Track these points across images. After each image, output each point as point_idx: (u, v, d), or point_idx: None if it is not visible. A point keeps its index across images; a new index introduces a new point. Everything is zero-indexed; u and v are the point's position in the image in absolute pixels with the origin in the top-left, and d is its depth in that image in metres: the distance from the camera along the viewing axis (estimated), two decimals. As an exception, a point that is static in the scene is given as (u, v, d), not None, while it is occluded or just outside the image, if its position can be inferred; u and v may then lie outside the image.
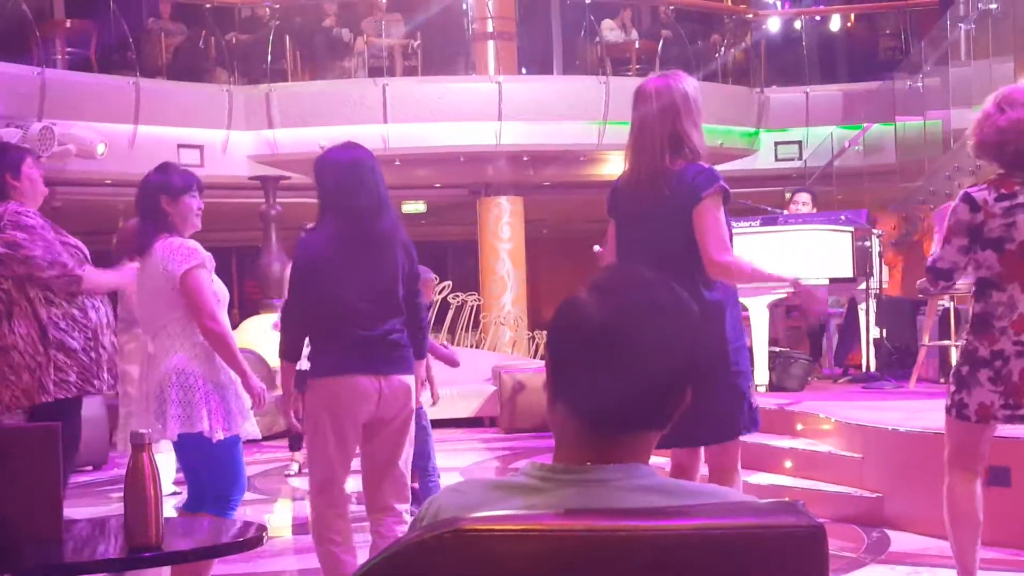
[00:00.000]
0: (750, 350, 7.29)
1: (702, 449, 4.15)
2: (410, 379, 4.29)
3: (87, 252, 4.87)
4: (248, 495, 7.68)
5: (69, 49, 12.82)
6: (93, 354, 4.73)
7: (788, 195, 10.11)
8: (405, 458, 4.34)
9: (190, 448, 4.26)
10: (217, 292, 4.34)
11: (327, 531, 4.26)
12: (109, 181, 12.42)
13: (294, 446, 8.44)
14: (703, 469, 4.27)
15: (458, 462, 8.68)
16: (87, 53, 12.75)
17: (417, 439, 6.27)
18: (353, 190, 4.23)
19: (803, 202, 9.43)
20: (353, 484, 4.51)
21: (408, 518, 4.32)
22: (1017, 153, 3.88)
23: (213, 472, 4.30)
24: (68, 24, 13.08)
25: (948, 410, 4.08)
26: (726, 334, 3.93)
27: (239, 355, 4.31)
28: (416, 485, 6.73)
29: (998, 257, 3.87)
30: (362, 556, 4.34)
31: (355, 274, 4.19)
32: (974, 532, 4.11)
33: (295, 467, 8.41)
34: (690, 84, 4.02)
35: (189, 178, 4.45)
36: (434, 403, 6.27)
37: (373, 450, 4.32)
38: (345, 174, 4.26)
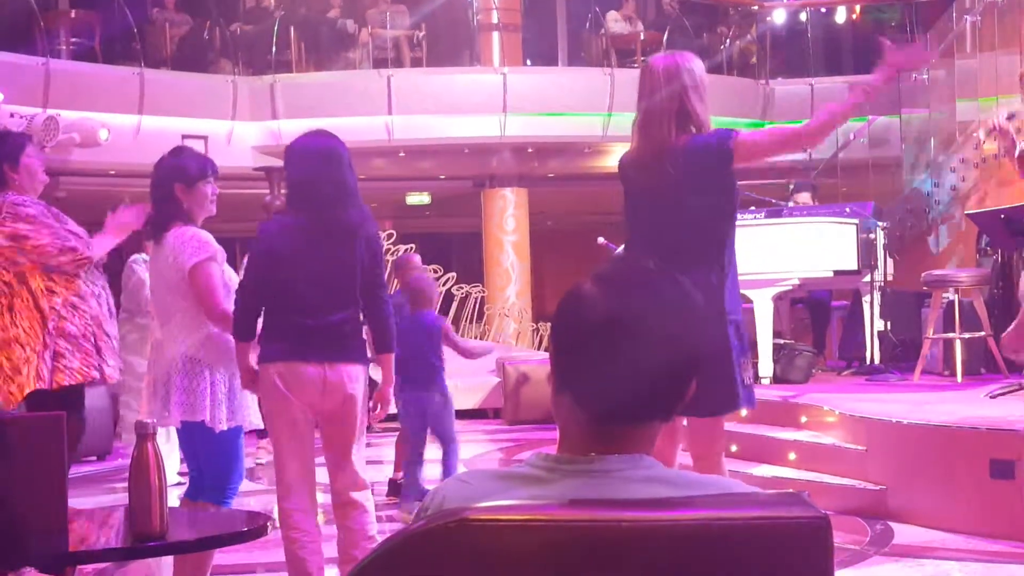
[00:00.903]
0: (753, 342, 7.30)
1: (679, 435, 4.10)
2: (356, 369, 4.19)
3: (90, 240, 4.88)
4: (252, 485, 7.70)
5: (74, 39, 12.82)
6: (92, 341, 4.72)
7: (791, 186, 10.09)
8: (356, 448, 4.24)
9: (192, 436, 4.27)
10: (228, 283, 4.34)
11: (285, 528, 4.22)
12: (113, 172, 12.42)
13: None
14: (683, 458, 4.26)
15: (462, 453, 8.63)
16: (91, 44, 12.75)
17: (443, 414, 6.32)
18: (315, 178, 4.20)
19: (803, 201, 9.40)
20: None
21: (367, 504, 4.26)
22: None
23: (213, 460, 4.31)
24: (73, 15, 13.08)
25: None
26: (726, 311, 3.94)
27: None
28: (399, 477, 6.72)
29: None
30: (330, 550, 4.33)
31: (306, 263, 4.15)
32: None
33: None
34: (696, 63, 4.05)
35: (204, 164, 4.43)
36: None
37: (326, 440, 4.27)
38: (309, 162, 4.23)
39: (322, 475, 4.33)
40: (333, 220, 4.17)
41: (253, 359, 4.24)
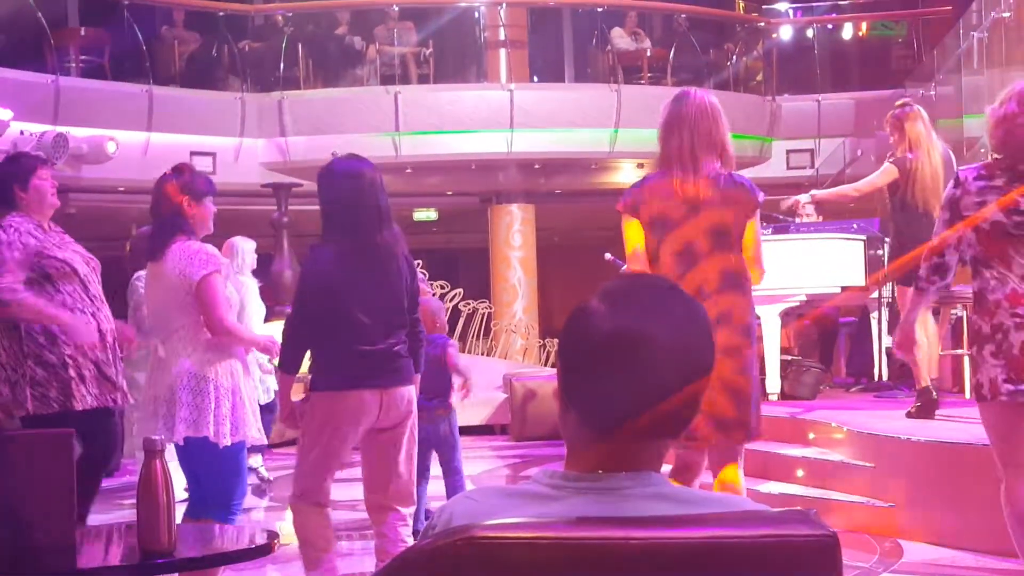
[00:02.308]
0: (761, 357, 7.35)
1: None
2: (410, 389, 4.35)
3: (97, 264, 4.86)
4: (259, 502, 7.70)
5: (83, 57, 12.85)
6: (73, 371, 4.67)
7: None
8: (408, 461, 4.37)
9: (195, 452, 4.27)
10: (229, 297, 4.36)
11: (310, 534, 4.28)
12: (122, 188, 12.46)
13: None
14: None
15: (469, 470, 8.63)
16: (101, 61, 12.79)
17: (448, 444, 6.27)
18: (353, 205, 4.27)
19: (807, 213, 9.40)
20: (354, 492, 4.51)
21: (409, 517, 4.37)
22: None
23: (217, 477, 4.32)
24: (82, 32, 13.12)
25: (975, 394, 4.01)
26: (752, 339, 4.16)
27: (254, 337, 4.55)
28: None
29: (976, 236, 3.95)
30: (367, 561, 4.35)
31: (359, 289, 4.21)
32: None
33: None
34: None
35: (209, 181, 4.49)
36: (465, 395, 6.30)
37: (376, 455, 4.34)
38: (345, 188, 4.29)
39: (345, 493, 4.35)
40: (375, 245, 4.24)
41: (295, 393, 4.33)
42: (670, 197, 4.14)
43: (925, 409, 6.56)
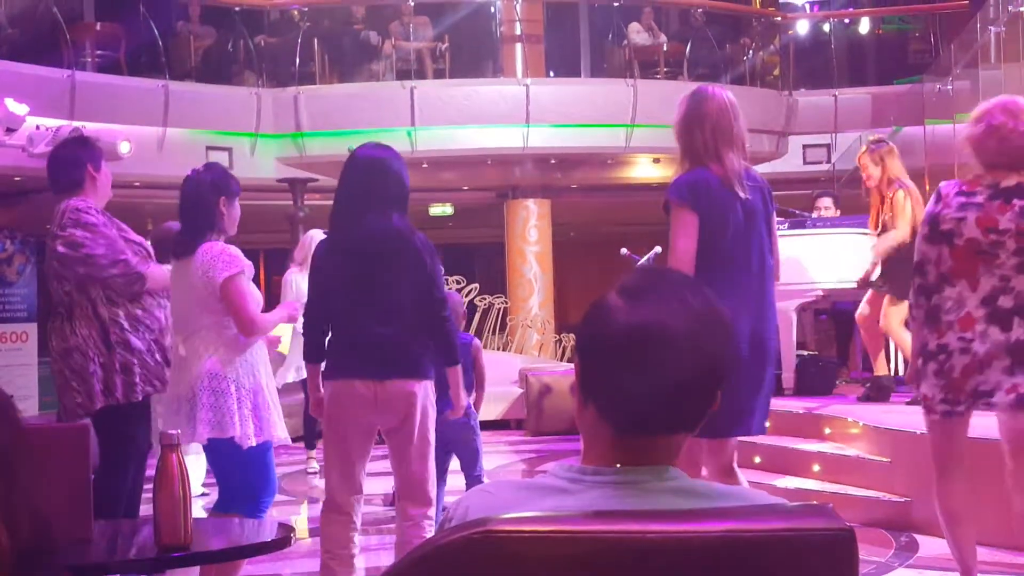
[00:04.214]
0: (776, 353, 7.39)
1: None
2: (414, 384, 4.15)
3: (150, 249, 4.86)
4: (276, 496, 7.72)
5: (99, 52, 12.89)
6: (158, 355, 4.69)
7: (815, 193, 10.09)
8: (420, 460, 4.23)
9: (220, 452, 4.27)
10: (255, 294, 4.37)
11: (325, 539, 4.25)
12: (137, 183, 12.49)
13: (309, 444, 8.65)
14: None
15: (484, 465, 8.65)
16: (117, 56, 12.83)
17: (466, 440, 6.22)
18: (351, 191, 4.22)
19: (825, 207, 9.38)
20: (380, 487, 4.51)
21: (427, 524, 4.27)
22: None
23: (243, 476, 4.31)
24: (98, 27, 13.16)
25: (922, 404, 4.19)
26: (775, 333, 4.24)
27: (276, 319, 4.52)
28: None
29: (949, 252, 3.94)
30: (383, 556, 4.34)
31: (348, 278, 4.16)
32: (969, 529, 4.16)
33: (315, 465, 8.51)
34: None
35: (237, 181, 4.50)
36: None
37: (393, 455, 4.30)
38: (349, 175, 4.25)
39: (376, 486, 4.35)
40: (368, 234, 4.15)
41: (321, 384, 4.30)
42: (721, 193, 4.12)
43: (882, 393, 7.51)
